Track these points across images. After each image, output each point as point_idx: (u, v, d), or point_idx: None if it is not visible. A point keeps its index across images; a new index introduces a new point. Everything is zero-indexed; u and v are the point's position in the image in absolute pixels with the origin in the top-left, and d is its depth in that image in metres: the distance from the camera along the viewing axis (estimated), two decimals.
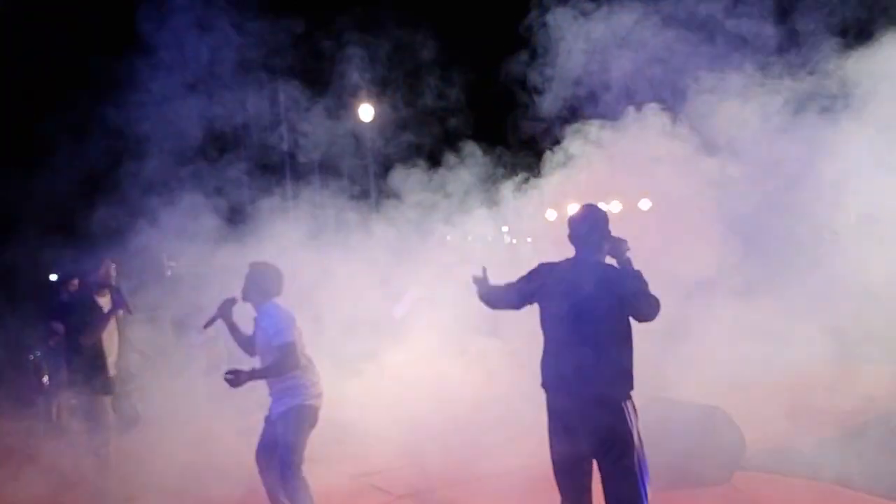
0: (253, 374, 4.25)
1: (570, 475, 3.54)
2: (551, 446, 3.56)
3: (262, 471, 4.52)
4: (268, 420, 4.52)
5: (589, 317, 3.43)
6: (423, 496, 5.38)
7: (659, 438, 5.31)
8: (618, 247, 3.62)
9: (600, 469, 3.50)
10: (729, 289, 6.91)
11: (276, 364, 4.32)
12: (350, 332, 7.93)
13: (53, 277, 11.12)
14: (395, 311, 6.82)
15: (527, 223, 10.54)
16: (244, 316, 4.71)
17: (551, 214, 13.32)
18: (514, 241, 13.39)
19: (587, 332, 3.44)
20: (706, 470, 5.16)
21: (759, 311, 6.76)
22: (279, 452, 4.38)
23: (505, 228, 12.66)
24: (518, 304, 3.76)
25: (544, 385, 3.61)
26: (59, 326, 7.79)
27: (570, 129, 8.35)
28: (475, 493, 5.28)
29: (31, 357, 8.05)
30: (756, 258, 7.21)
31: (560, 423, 3.51)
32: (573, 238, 3.65)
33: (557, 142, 8.47)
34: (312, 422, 4.49)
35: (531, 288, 3.67)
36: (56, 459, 6.84)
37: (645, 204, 12.57)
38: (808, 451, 5.46)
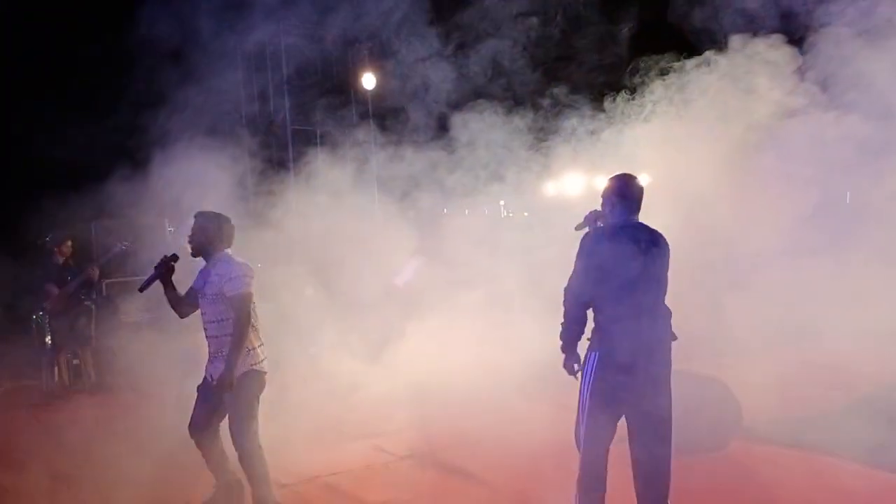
0: (230, 361, 4.03)
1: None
2: (607, 406, 3.60)
3: (201, 439, 4.25)
4: (207, 384, 4.23)
5: (656, 280, 3.66)
6: (423, 457, 5.49)
7: None
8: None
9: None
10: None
11: (237, 322, 4.06)
12: (359, 303, 8.06)
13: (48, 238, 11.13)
14: (398, 279, 6.91)
15: (526, 197, 10.60)
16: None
17: (550, 188, 13.38)
18: (511, 214, 13.47)
19: (656, 295, 3.66)
20: (702, 439, 5.26)
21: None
22: (232, 423, 4.13)
23: (502, 202, 12.72)
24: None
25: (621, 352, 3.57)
26: (54, 289, 7.87)
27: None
28: (473, 455, 5.39)
29: (34, 317, 8.10)
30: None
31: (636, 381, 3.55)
32: (633, 204, 3.73)
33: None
34: (261, 388, 4.22)
35: (599, 261, 3.63)
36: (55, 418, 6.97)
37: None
38: (805, 422, 5.60)
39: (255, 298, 4.21)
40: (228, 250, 4.27)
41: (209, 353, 4.22)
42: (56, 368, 8.14)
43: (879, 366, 6.86)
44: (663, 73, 7.57)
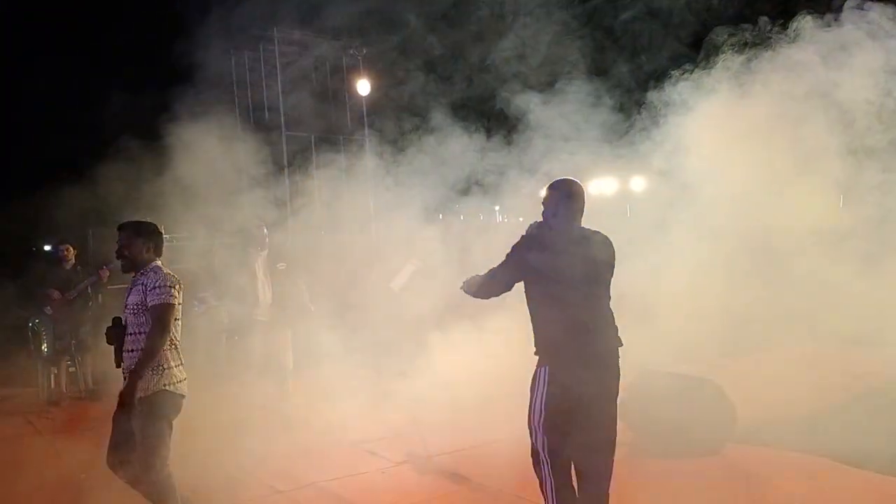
0: (134, 376, 3.72)
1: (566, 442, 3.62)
2: (562, 413, 3.55)
3: (117, 467, 3.88)
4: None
5: (604, 287, 3.66)
6: (420, 462, 5.49)
7: (651, 409, 5.49)
8: None
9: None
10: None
11: (151, 333, 3.78)
12: (352, 309, 8.07)
13: (47, 247, 11.16)
14: (393, 284, 6.91)
15: (520, 201, 10.62)
16: None
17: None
18: (506, 219, 13.50)
19: (603, 302, 3.66)
20: (697, 441, 5.30)
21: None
22: (137, 448, 3.77)
23: (497, 207, 12.76)
24: (512, 285, 3.73)
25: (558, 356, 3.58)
26: (55, 293, 7.87)
27: None
28: (472, 460, 5.40)
29: (30, 325, 8.10)
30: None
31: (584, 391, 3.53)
32: (576, 210, 3.67)
33: None
34: (175, 411, 3.89)
35: (532, 263, 3.59)
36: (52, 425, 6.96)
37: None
38: (799, 424, 5.61)
39: (179, 314, 3.97)
40: (158, 261, 4.03)
41: (129, 367, 3.86)
42: (53, 375, 8.13)
43: (875, 366, 6.91)
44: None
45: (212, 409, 6.27)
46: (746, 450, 5.40)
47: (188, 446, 4.41)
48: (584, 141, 8.75)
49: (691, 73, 7.37)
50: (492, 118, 9.24)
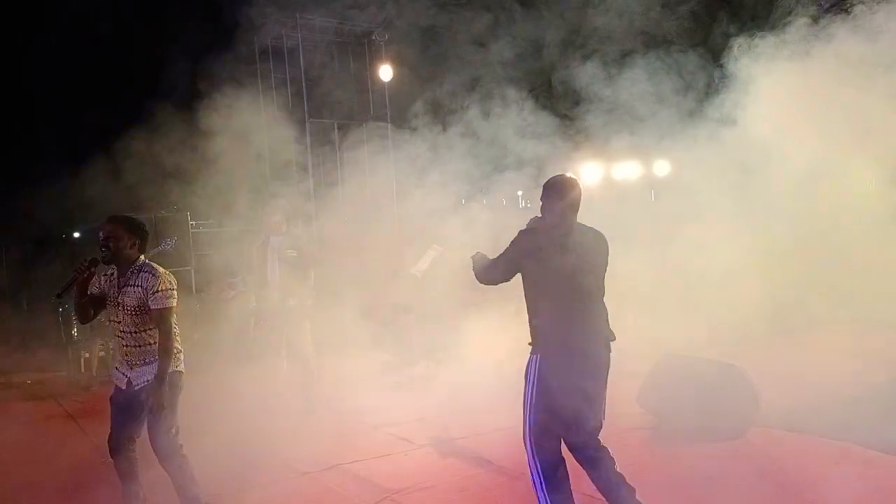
0: (162, 375, 3.91)
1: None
2: (551, 401, 3.67)
3: (119, 453, 4.01)
4: (125, 393, 4.03)
5: (595, 281, 3.76)
6: (443, 445, 5.54)
7: (676, 394, 5.48)
8: None
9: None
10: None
11: (166, 336, 3.96)
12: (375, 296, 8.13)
13: (76, 234, 11.36)
14: (415, 269, 6.95)
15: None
16: None
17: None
18: (528, 204, 13.48)
19: (594, 295, 3.76)
20: (721, 425, 5.28)
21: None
22: (157, 428, 3.95)
23: (520, 192, 12.74)
24: (509, 276, 3.86)
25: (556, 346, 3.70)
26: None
27: None
28: (493, 443, 5.42)
29: (60, 310, 8.26)
30: None
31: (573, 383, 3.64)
32: (570, 206, 3.76)
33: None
34: (181, 388, 4.11)
35: (527, 257, 3.72)
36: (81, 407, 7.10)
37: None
38: (829, 410, 5.56)
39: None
40: (144, 257, 4.08)
41: (125, 360, 4.03)
42: (82, 360, 8.30)
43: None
44: None
45: (237, 393, 6.39)
46: (770, 434, 5.36)
47: (213, 429, 4.49)
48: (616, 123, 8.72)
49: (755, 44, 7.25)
50: (517, 104, 9.19)
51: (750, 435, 5.34)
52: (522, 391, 3.77)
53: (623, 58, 8.77)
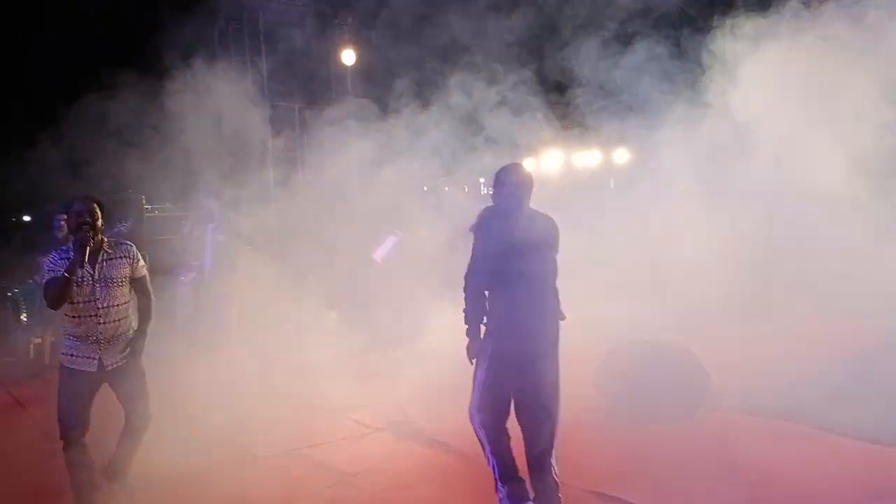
0: (142, 343, 4.10)
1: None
2: (499, 380, 3.79)
3: (77, 442, 3.98)
4: (94, 376, 3.99)
5: (545, 265, 3.83)
6: (399, 427, 5.56)
7: (628, 377, 5.57)
8: None
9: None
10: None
11: (151, 301, 4.16)
12: (335, 279, 8.08)
13: (27, 218, 11.08)
14: (376, 255, 6.95)
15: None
16: None
17: (529, 164, 13.44)
18: (490, 191, 13.50)
19: (545, 280, 3.84)
20: (672, 408, 5.38)
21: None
22: (142, 397, 4.10)
23: (482, 179, 12.77)
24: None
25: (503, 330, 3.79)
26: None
27: None
28: (450, 427, 5.43)
29: (9, 294, 8.05)
30: None
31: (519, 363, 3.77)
32: (519, 193, 3.84)
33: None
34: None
35: (497, 249, 3.77)
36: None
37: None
38: (776, 391, 5.71)
39: None
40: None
41: (103, 339, 3.99)
42: (32, 346, 8.11)
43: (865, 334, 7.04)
44: None
45: (192, 379, 6.31)
46: (719, 415, 5.49)
47: (168, 415, 4.44)
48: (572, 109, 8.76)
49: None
50: (475, 90, 9.18)
51: (700, 416, 5.46)
52: (474, 372, 3.86)
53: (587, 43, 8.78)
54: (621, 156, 12.81)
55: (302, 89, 11.83)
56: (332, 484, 4.56)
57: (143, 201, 10.40)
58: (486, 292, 3.83)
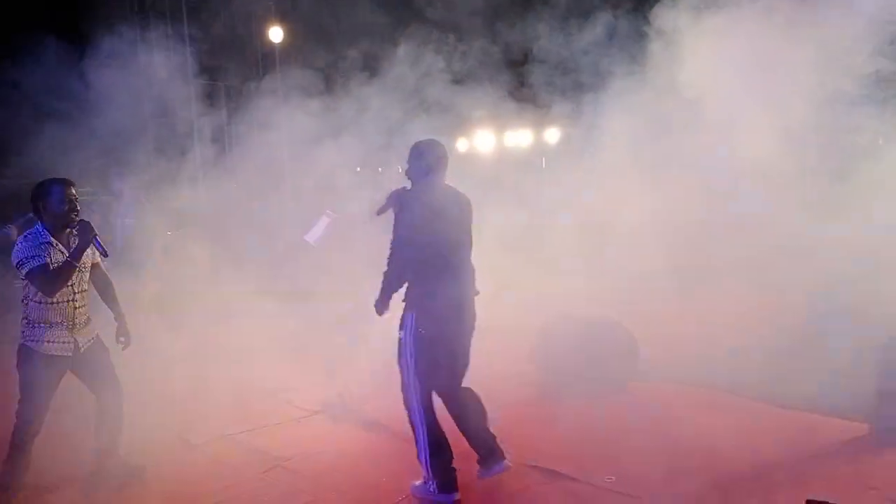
0: (124, 320, 4.35)
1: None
2: (439, 359, 3.88)
3: (38, 432, 4.05)
4: (71, 359, 4.08)
5: (462, 239, 3.94)
6: (336, 411, 5.52)
7: (560, 351, 5.69)
8: None
9: None
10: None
11: (111, 283, 4.37)
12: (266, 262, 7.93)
13: None
14: (308, 237, 6.84)
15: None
16: None
17: (462, 144, 13.46)
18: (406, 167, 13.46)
19: (462, 253, 3.94)
20: (602, 379, 5.52)
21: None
22: (108, 383, 4.24)
23: (400, 169, 12.69)
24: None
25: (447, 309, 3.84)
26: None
27: None
28: (386, 409, 5.43)
29: None
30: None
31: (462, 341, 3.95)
32: (433, 168, 3.88)
33: None
34: None
35: (429, 230, 3.79)
36: None
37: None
38: (701, 364, 5.93)
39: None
40: None
41: (78, 323, 4.09)
42: None
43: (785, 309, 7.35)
44: None
45: (122, 365, 6.10)
46: (650, 386, 5.67)
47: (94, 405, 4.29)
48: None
49: None
50: (404, 66, 9.09)
51: (632, 388, 5.63)
52: (398, 350, 3.91)
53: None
54: (552, 135, 12.97)
55: (230, 67, 11.48)
56: (265, 469, 4.50)
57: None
58: (414, 271, 3.85)
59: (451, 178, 4.11)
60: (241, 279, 7.56)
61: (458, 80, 9.24)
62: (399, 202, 3.85)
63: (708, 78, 6.38)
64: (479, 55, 9.07)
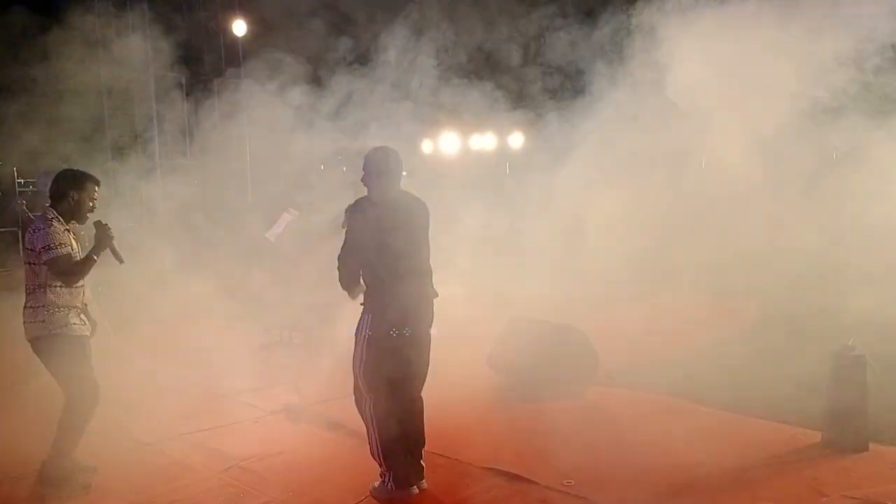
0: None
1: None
2: (391, 362, 3.91)
3: None
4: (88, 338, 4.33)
5: (418, 243, 3.98)
6: (295, 411, 5.46)
7: (518, 355, 5.72)
8: None
9: None
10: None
11: None
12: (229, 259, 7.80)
13: None
14: (270, 233, 6.77)
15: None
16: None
17: (427, 146, 13.46)
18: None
19: (419, 256, 3.99)
20: (562, 385, 5.57)
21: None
22: None
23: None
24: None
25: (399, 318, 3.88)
26: None
27: None
28: (345, 408, 5.40)
29: None
30: None
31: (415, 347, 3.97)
32: (394, 174, 3.94)
33: None
34: None
35: (383, 238, 3.85)
36: None
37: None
38: (658, 369, 6.04)
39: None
40: None
41: (83, 306, 4.25)
42: None
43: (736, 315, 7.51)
44: None
45: None
46: (608, 392, 5.74)
47: (49, 406, 4.19)
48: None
49: None
50: (373, 62, 9.04)
51: (589, 393, 5.69)
52: (352, 351, 3.95)
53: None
54: (516, 140, 13.05)
55: (190, 59, 11.27)
56: (222, 469, 4.43)
57: (15, 174, 9.64)
58: (367, 276, 3.91)
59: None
60: (202, 276, 7.43)
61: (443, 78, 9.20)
62: (351, 211, 3.93)
63: (686, 79, 6.42)
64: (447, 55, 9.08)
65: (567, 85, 8.12)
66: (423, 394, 4.12)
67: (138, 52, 10.28)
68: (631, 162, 7.67)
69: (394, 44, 8.70)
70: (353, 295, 3.98)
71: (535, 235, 8.45)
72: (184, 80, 11.02)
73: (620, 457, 4.37)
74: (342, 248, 3.92)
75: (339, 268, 3.95)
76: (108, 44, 9.85)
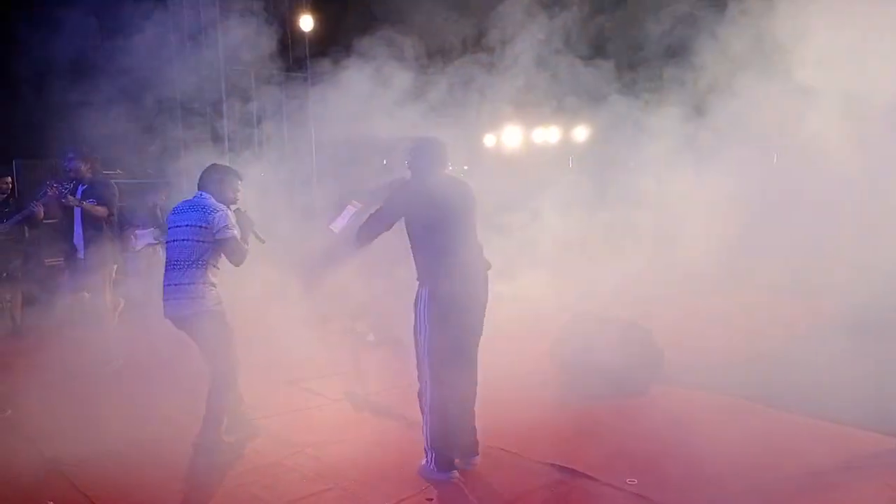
0: None
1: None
2: (443, 324, 4.07)
3: None
4: None
5: (469, 221, 4.23)
6: (357, 400, 5.54)
7: (581, 351, 5.66)
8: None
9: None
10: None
11: None
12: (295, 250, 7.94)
13: None
14: (334, 225, 6.84)
15: (463, 150, 10.53)
16: None
17: (490, 140, 13.43)
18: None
19: (470, 232, 4.24)
20: (625, 382, 5.49)
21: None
22: None
23: None
24: (391, 225, 4.18)
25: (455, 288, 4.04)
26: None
27: None
28: (408, 399, 5.44)
29: None
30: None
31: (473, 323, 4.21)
32: (435, 162, 4.22)
33: None
34: None
35: (406, 208, 4.09)
36: None
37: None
38: (719, 368, 5.91)
39: None
40: None
41: None
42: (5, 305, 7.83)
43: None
44: None
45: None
46: (670, 390, 5.62)
47: (117, 391, 4.35)
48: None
49: None
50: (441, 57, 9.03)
51: (653, 391, 5.59)
52: (413, 326, 4.11)
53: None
54: (581, 133, 12.90)
55: (257, 55, 11.49)
56: (287, 455, 4.52)
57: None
58: (422, 254, 4.11)
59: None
60: (270, 265, 7.58)
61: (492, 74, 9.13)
62: (395, 187, 4.23)
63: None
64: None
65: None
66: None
67: (209, 46, 10.56)
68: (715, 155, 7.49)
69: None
70: (351, 251, 4.32)
71: (608, 228, 8.38)
72: (252, 74, 11.29)
73: (684, 458, 4.26)
74: (375, 213, 4.15)
75: (362, 226, 4.20)
76: (176, 40, 10.15)
